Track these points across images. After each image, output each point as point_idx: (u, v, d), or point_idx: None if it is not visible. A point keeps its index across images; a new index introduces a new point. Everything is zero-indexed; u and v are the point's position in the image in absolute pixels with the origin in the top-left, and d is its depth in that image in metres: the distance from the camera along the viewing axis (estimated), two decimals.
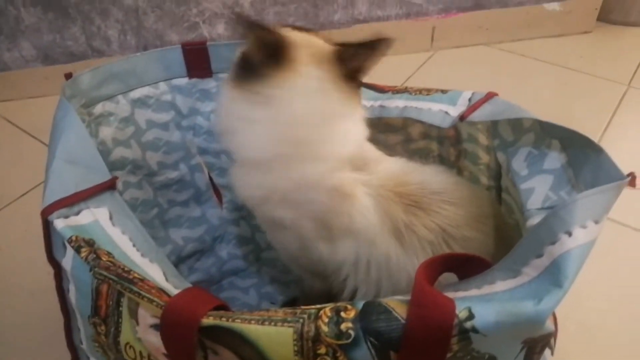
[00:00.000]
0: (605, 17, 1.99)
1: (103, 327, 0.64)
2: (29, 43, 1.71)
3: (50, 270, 1.15)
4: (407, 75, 1.77)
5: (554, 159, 0.66)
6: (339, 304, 0.52)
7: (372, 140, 0.93)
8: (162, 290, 0.57)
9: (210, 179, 1.09)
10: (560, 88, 1.69)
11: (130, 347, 0.63)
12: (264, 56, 0.72)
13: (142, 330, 0.61)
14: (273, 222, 0.78)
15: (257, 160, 0.75)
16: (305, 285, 0.96)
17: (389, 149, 0.86)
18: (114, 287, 0.60)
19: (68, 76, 0.84)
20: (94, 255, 0.61)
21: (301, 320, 0.51)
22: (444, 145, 0.92)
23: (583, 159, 0.61)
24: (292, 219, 0.75)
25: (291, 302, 1.09)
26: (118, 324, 0.62)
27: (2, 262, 1.23)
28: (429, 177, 0.78)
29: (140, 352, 0.62)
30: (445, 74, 1.75)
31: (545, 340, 0.56)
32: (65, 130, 0.73)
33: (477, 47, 1.92)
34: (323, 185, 0.73)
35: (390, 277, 0.74)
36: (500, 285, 0.53)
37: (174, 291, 0.59)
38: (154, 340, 0.60)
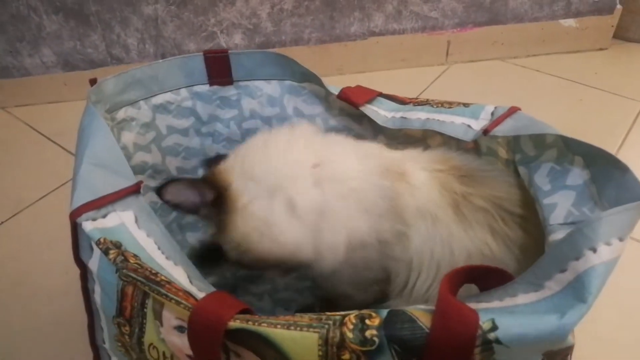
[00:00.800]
0: (622, 34, 2.00)
1: (127, 328, 0.65)
2: (49, 49, 1.75)
3: (68, 271, 1.19)
4: (421, 88, 1.77)
5: (577, 176, 0.66)
6: (363, 311, 0.53)
7: None
8: (188, 293, 0.58)
9: None
10: (575, 104, 1.69)
11: (154, 347, 0.64)
12: None
13: (166, 332, 0.62)
14: (355, 247, 0.77)
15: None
16: (347, 303, 0.89)
17: None
18: (141, 289, 0.61)
19: (93, 82, 0.85)
20: (122, 257, 0.62)
21: (326, 326, 0.52)
22: None
23: (607, 177, 0.62)
24: (369, 226, 0.76)
25: (306, 310, 1.10)
26: (142, 324, 0.64)
27: (20, 264, 1.24)
28: (471, 158, 0.81)
29: (164, 353, 0.63)
30: (459, 88, 1.76)
31: (565, 354, 0.57)
32: (92, 135, 0.75)
33: (492, 62, 1.93)
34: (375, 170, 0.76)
35: (451, 256, 0.75)
36: (523, 298, 0.54)
37: (198, 294, 0.60)
38: (177, 341, 0.61)
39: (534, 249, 0.74)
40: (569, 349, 0.56)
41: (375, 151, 0.83)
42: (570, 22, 1.89)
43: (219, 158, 0.87)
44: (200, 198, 0.79)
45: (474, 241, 0.74)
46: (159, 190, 0.76)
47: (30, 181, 1.50)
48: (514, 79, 1.84)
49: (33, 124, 1.74)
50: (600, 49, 1.96)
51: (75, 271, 0.70)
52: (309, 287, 1.11)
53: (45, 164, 1.56)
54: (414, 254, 0.77)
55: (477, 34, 1.88)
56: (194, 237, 1.10)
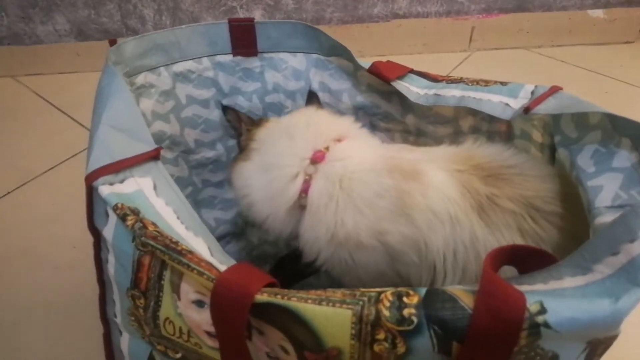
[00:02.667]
0: None
1: (142, 301, 0.62)
2: (63, 17, 1.70)
3: (75, 245, 1.16)
4: (442, 74, 1.71)
5: (624, 158, 0.63)
6: (399, 288, 0.49)
7: (420, 131, 0.91)
8: (211, 264, 0.55)
9: None
10: (600, 96, 1.65)
11: (170, 322, 0.60)
12: None
13: (184, 306, 0.59)
14: (356, 247, 0.75)
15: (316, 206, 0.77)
16: None
17: (437, 142, 0.83)
18: (159, 257, 0.58)
19: (112, 42, 0.82)
20: (140, 224, 0.59)
21: (361, 302, 0.48)
22: (493, 141, 0.89)
23: None
24: (363, 226, 0.74)
25: (281, 263, 1.09)
26: (158, 297, 0.60)
27: (27, 236, 1.21)
28: (497, 153, 0.76)
29: (180, 328, 0.60)
30: (481, 76, 1.68)
31: (609, 343, 0.53)
32: (111, 96, 0.71)
33: (516, 51, 1.89)
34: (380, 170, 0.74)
35: (477, 259, 0.71)
36: (569, 282, 0.50)
37: (220, 267, 0.56)
38: (196, 316, 0.58)
39: (569, 246, 0.69)
40: (614, 338, 0.52)
41: (391, 151, 0.81)
42: (598, 13, 1.85)
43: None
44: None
45: (501, 243, 0.69)
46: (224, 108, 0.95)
47: (38, 152, 1.47)
48: (538, 68, 1.80)
49: (43, 94, 1.71)
50: (627, 42, 1.92)
51: (84, 245, 0.67)
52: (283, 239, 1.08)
53: (54, 135, 1.53)
54: (436, 257, 0.72)
55: (503, 20, 1.84)
56: (209, 215, 1.07)
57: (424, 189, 0.72)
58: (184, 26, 0.91)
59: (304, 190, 0.77)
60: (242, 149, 0.89)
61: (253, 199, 0.83)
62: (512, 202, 0.70)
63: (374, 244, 0.73)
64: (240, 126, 0.91)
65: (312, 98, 0.95)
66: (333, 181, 0.75)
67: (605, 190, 0.61)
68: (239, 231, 1.11)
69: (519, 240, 0.70)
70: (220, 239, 1.08)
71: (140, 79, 0.87)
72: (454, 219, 0.71)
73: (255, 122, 0.90)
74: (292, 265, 1.04)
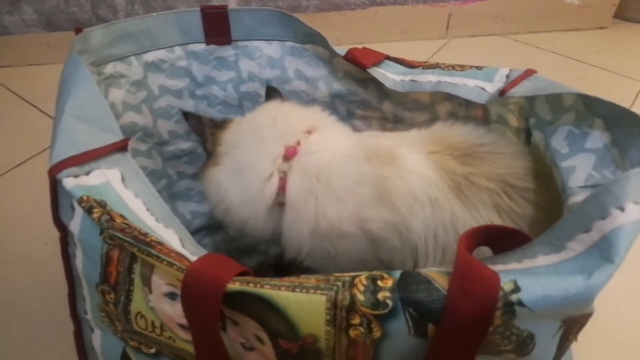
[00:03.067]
0: (622, 14, 1.96)
1: (112, 296, 0.60)
2: (31, 7, 1.65)
3: (47, 240, 1.13)
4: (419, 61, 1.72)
5: (596, 139, 0.63)
6: (374, 272, 0.49)
7: (397, 118, 0.90)
8: (181, 255, 0.54)
9: None
10: (575, 82, 1.66)
11: (142, 316, 0.59)
12: None
13: (156, 299, 0.57)
14: (338, 237, 0.74)
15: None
16: None
17: (414, 128, 0.83)
18: (128, 251, 0.56)
19: (78, 30, 0.80)
20: (107, 217, 0.57)
21: (335, 287, 0.48)
22: None
23: (631, 139, 0.58)
24: (345, 215, 0.73)
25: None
26: (129, 292, 0.59)
27: None
28: (469, 132, 0.77)
29: (153, 322, 0.59)
30: (459, 63, 1.69)
31: (584, 321, 0.53)
32: (75, 85, 0.69)
33: (492, 37, 1.88)
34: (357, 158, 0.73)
35: (456, 239, 0.69)
36: (543, 260, 0.50)
37: (192, 257, 0.55)
38: (168, 309, 0.57)
39: (544, 222, 0.70)
40: (588, 316, 0.52)
41: (364, 138, 0.80)
42: (572, 0, 1.85)
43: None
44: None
45: (479, 222, 0.70)
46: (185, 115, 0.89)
47: (8, 146, 1.44)
48: (514, 55, 1.80)
49: (12, 86, 1.67)
50: (601, 28, 1.93)
51: (56, 242, 0.64)
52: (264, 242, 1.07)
53: (24, 129, 1.49)
54: (418, 241, 0.73)
55: (480, 7, 1.83)
56: (185, 207, 1.05)
57: (402, 172, 0.72)
58: (155, 14, 0.89)
59: (281, 188, 0.76)
60: (209, 155, 0.86)
61: (229, 204, 0.81)
62: (487, 180, 0.71)
63: (356, 232, 0.73)
64: (204, 131, 0.87)
65: (271, 93, 0.93)
66: (310, 175, 0.75)
67: (579, 171, 0.61)
68: (216, 224, 1.09)
69: (495, 218, 0.70)
70: (197, 232, 1.06)
71: (109, 68, 0.85)
72: (433, 201, 0.71)
73: (219, 125, 0.87)
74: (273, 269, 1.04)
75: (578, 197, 0.58)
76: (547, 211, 0.70)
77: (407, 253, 0.74)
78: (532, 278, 0.46)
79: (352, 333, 0.48)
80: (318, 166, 0.75)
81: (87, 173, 0.62)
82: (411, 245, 0.73)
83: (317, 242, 0.75)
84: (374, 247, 0.74)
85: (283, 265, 0.98)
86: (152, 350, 0.63)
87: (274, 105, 0.86)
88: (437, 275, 0.47)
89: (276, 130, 0.79)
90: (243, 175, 0.79)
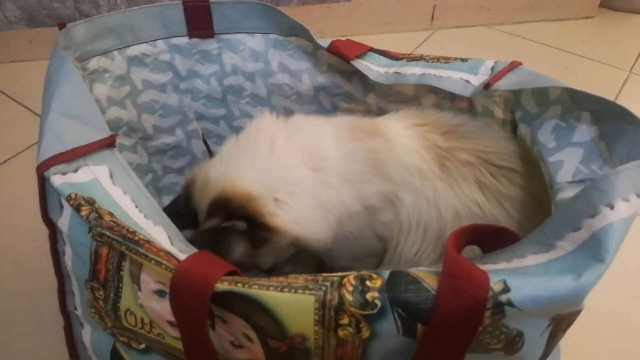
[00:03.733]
0: (607, 3, 1.97)
1: (101, 292, 0.60)
2: (12, 3, 1.62)
3: (35, 237, 1.12)
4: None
5: (584, 132, 0.63)
6: (362, 272, 0.49)
7: (382, 111, 0.90)
8: (169, 254, 0.53)
9: (207, 146, 1.05)
10: (561, 72, 1.66)
11: (131, 313, 0.59)
12: None
13: (145, 296, 0.57)
14: (350, 219, 0.74)
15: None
16: None
17: None
18: (117, 248, 0.56)
19: (61, 26, 0.79)
20: (96, 215, 0.56)
21: (324, 288, 0.47)
22: None
23: (618, 132, 0.58)
24: (353, 195, 0.72)
25: None
26: (118, 289, 0.58)
27: None
28: (452, 115, 0.79)
29: (142, 319, 0.58)
30: (444, 54, 1.69)
31: (572, 318, 0.54)
32: (61, 81, 0.68)
33: (477, 28, 1.88)
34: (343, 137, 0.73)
35: (438, 215, 0.72)
36: (532, 259, 0.50)
37: (180, 255, 0.55)
38: (157, 307, 0.56)
39: (529, 204, 0.71)
40: (577, 313, 0.53)
41: (346, 119, 0.80)
42: None
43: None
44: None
45: (461, 199, 0.71)
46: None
47: None
48: (499, 46, 1.80)
49: None
50: (587, 17, 1.93)
51: (43, 238, 0.64)
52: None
53: (9, 126, 1.48)
54: (405, 216, 0.73)
55: None
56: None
57: (389, 142, 0.72)
58: (136, 8, 0.87)
59: None
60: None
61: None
62: (470, 156, 0.72)
63: (360, 210, 0.73)
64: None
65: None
66: (317, 169, 0.73)
67: (566, 166, 0.61)
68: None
69: (479, 195, 0.71)
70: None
71: (93, 63, 0.84)
72: (419, 171, 0.72)
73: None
74: None
75: (566, 193, 0.58)
76: (533, 195, 0.71)
77: (396, 228, 0.75)
78: (521, 278, 0.46)
79: (340, 333, 0.48)
80: (317, 159, 0.74)
81: (75, 170, 0.61)
82: (400, 219, 0.74)
83: (339, 230, 0.74)
84: (373, 221, 0.75)
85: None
86: (142, 346, 0.62)
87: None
88: (426, 275, 0.47)
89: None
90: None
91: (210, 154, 1.05)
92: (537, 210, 0.71)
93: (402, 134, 0.74)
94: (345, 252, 0.79)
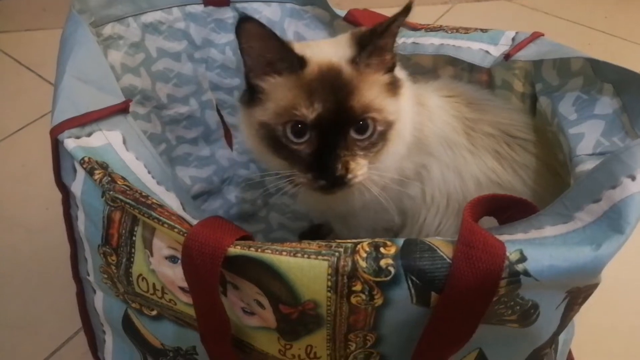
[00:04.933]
0: None
1: (114, 258, 0.60)
2: None
3: (48, 205, 1.13)
4: None
5: (606, 105, 0.62)
6: (376, 239, 0.48)
7: None
8: (182, 218, 0.53)
9: (221, 117, 1.04)
10: (584, 48, 1.58)
11: (143, 279, 0.59)
12: None
13: (157, 262, 0.57)
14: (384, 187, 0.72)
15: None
16: None
17: None
18: (130, 213, 0.56)
19: None
20: (109, 179, 0.56)
21: (337, 253, 0.47)
22: None
23: None
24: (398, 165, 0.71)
25: (311, 233, 1.06)
26: (130, 254, 0.58)
27: None
28: (474, 88, 0.79)
29: (154, 285, 0.58)
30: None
31: (589, 292, 0.53)
32: (75, 45, 0.68)
33: (497, 2, 1.84)
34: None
35: (461, 183, 0.72)
36: (550, 231, 0.49)
37: (193, 221, 0.55)
38: (169, 272, 0.56)
39: (543, 172, 0.72)
40: (594, 287, 0.52)
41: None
42: None
43: None
44: None
45: (481, 168, 0.72)
46: None
47: (6, 112, 1.42)
48: (520, 21, 1.76)
49: (10, 51, 1.64)
50: None
51: (57, 206, 0.64)
52: (302, 228, 1.08)
53: (23, 95, 1.48)
54: (430, 188, 0.73)
55: None
56: (185, 172, 1.04)
57: (430, 114, 0.72)
58: None
59: None
60: None
61: None
62: (491, 126, 0.73)
63: (397, 181, 0.72)
64: None
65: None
66: None
67: (587, 138, 0.60)
68: (215, 189, 1.08)
69: (496, 166, 0.72)
70: (196, 197, 1.06)
71: (108, 29, 0.83)
72: (450, 142, 0.72)
73: None
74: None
75: (586, 165, 0.57)
76: (548, 164, 0.72)
77: (420, 201, 0.75)
78: (538, 248, 0.46)
79: (353, 300, 0.47)
80: None
81: (89, 134, 0.61)
82: (424, 193, 0.75)
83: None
84: (401, 195, 0.74)
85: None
86: (154, 313, 0.63)
87: None
88: (441, 244, 0.47)
89: None
90: None
91: (224, 124, 1.04)
92: (550, 178, 0.72)
93: (438, 104, 0.74)
94: (366, 221, 0.79)
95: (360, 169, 0.63)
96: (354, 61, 0.64)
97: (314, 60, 0.64)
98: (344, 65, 0.64)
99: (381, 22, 0.63)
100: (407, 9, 0.63)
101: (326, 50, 0.67)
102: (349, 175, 0.63)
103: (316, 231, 1.05)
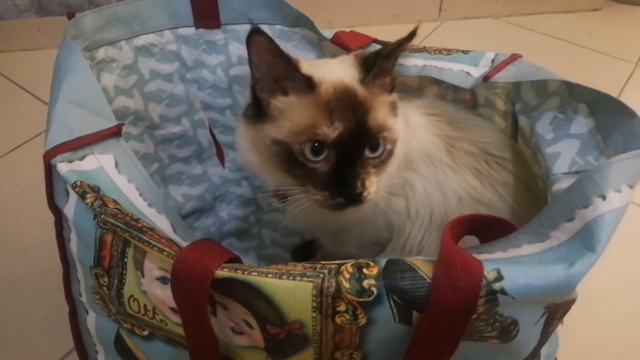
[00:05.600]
0: None
1: (106, 279, 0.61)
2: None
3: (42, 224, 1.14)
4: (410, 44, 1.70)
5: (581, 124, 0.64)
6: (360, 260, 0.50)
7: None
8: (172, 241, 0.55)
9: (213, 136, 1.06)
10: (568, 64, 1.66)
11: (135, 300, 0.60)
12: None
13: (148, 283, 0.58)
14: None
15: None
16: None
17: None
18: (121, 235, 0.57)
19: (70, 16, 0.80)
20: (100, 202, 0.58)
21: (321, 275, 0.49)
22: None
23: (613, 124, 0.59)
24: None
25: (303, 249, 1.08)
26: (122, 275, 0.60)
27: None
28: (455, 107, 0.81)
29: (145, 306, 0.60)
30: (451, 46, 1.68)
31: (567, 307, 0.55)
32: (69, 70, 0.70)
33: (485, 20, 1.88)
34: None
35: (444, 199, 0.74)
36: (527, 249, 0.51)
37: (182, 243, 0.56)
38: (160, 293, 0.58)
39: (520, 189, 0.74)
40: (571, 302, 0.54)
41: None
42: None
43: None
44: None
45: (462, 185, 0.74)
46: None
47: (1, 131, 1.44)
48: (507, 37, 1.80)
49: (4, 71, 1.66)
50: (594, 10, 1.92)
51: (50, 225, 0.65)
52: (295, 244, 1.09)
53: (17, 114, 1.49)
54: (414, 203, 0.75)
55: None
56: (177, 191, 1.05)
57: (414, 132, 0.74)
58: None
59: None
60: None
61: None
62: (470, 144, 0.75)
63: (384, 195, 0.73)
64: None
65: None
66: None
67: (563, 157, 0.62)
68: (207, 207, 1.10)
69: (476, 183, 0.74)
70: (189, 215, 1.07)
71: (101, 53, 0.85)
72: (432, 159, 0.74)
73: None
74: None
75: (562, 184, 0.59)
76: (524, 182, 0.74)
77: (404, 215, 0.76)
78: (514, 267, 0.47)
79: (338, 320, 0.49)
80: None
81: (81, 158, 0.62)
82: (409, 207, 0.76)
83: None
84: (387, 208, 0.75)
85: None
86: (145, 333, 0.64)
87: None
88: (422, 264, 0.49)
89: None
90: None
91: (217, 143, 1.06)
92: (527, 195, 0.74)
93: (420, 123, 0.76)
94: (354, 236, 0.80)
95: (373, 185, 0.66)
96: (363, 82, 0.67)
97: (327, 80, 0.66)
98: (356, 85, 0.66)
99: (386, 45, 0.66)
100: (412, 35, 0.67)
101: (337, 70, 0.69)
102: (365, 193, 0.65)
103: (308, 247, 1.07)
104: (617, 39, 1.79)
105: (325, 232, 0.86)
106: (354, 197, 0.64)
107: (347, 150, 0.64)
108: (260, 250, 1.10)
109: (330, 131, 0.63)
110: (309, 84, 0.65)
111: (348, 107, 0.64)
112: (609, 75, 1.61)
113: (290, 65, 0.64)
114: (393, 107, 0.70)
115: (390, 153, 0.68)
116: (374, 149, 0.66)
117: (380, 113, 0.66)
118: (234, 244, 1.11)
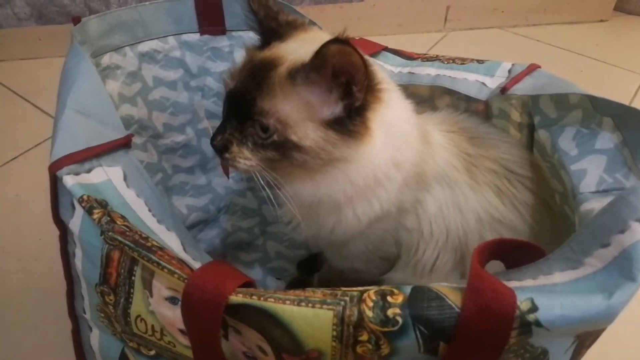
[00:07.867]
0: (622, 6, 1.95)
1: (112, 297, 0.58)
2: (22, 0, 1.62)
3: (41, 237, 1.12)
4: None
5: (607, 139, 0.61)
6: (383, 287, 0.47)
7: None
8: (182, 262, 0.52)
9: None
10: (575, 75, 1.61)
11: (142, 319, 0.57)
12: None
13: (156, 303, 0.55)
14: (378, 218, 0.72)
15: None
16: (353, 277, 0.86)
17: None
18: (129, 254, 0.54)
19: (76, 20, 0.78)
20: (108, 218, 0.55)
21: (342, 303, 0.46)
22: None
23: None
24: (397, 195, 0.71)
25: (308, 261, 1.05)
26: (129, 294, 0.57)
27: None
28: (474, 121, 0.78)
29: (153, 326, 0.57)
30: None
31: (597, 335, 0.52)
32: (78, 78, 0.67)
33: (491, 30, 1.86)
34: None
35: (462, 219, 0.72)
36: (559, 277, 0.48)
37: (193, 263, 0.53)
38: (169, 313, 0.55)
39: (540, 209, 0.71)
40: (603, 330, 0.51)
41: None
42: None
43: None
44: None
45: (482, 204, 0.71)
46: None
47: (0, 141, 1.41)
48: (513, 48, 1.78)
49: (4, 80, 1.64)
50: (601, 21, 1.91)
51: (50, 237, 0.63)
52: (301, 256, 1.06)
53: (17, 124, 1.47)
54: (427, 223, 0.72)
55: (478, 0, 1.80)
56: (181, 202, 1.03)
57: (433, 152, 0.72)
58: (147, 3, 0.86)
59: None
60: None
61: None
62: (492, 162, 0.72)
63: (393, 212, 0.72)
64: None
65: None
66: None
67: (590, 175, 0.59)
68: (211, 218, 1.07)
69: (497, 202, 0.71)
70: (192, 226, 1.04)
71: (106, 59, 0.83)
72: (450, 180, 0.71)
73: None
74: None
75: (590, 204, 0.56)
76: (544, 201, 0.72)
77: (416, 234, 0.74)
78: (549, 296, 0.44)
79: (359, 349, 0.46)
80: None
81: (89, 170, 0.60)
82: (421, 226, 0.73)
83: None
84: (398, 226, 0.74)
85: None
86: (152, 353, 0.61)
87: None
88: (449, 292, 0.46)
89: None
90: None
91: None
92: (546, 214, 0.72)
93: (442, 143, 0.73)
94: (359, 251, 0.78)
95: (239, 155, 0.65)
96: (291, 70, 0.62)
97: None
98: (283, 67, 0.63)
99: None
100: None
101: (305, 48, 0.64)
102: (227, 154, 0.65)
103: (314, 260, 1.04)
104: (625, 50, 1.78)
105: (328, 246, 0.83)
106: (212, 145, 0.66)
107: (233, 109, 0.65)
108: (266, 263, 1.07)
109: (230, 82, 0.66)
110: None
111: (250, 74, 0.65)
112: (618, 87, 1.60)
113: None
114: (315, 113, 0.63)
115: (277, 145, 0.63)
116: (264, 129, 0.63)
117: (283, 103, 0.62)
118: (239, 256, 1.08)
